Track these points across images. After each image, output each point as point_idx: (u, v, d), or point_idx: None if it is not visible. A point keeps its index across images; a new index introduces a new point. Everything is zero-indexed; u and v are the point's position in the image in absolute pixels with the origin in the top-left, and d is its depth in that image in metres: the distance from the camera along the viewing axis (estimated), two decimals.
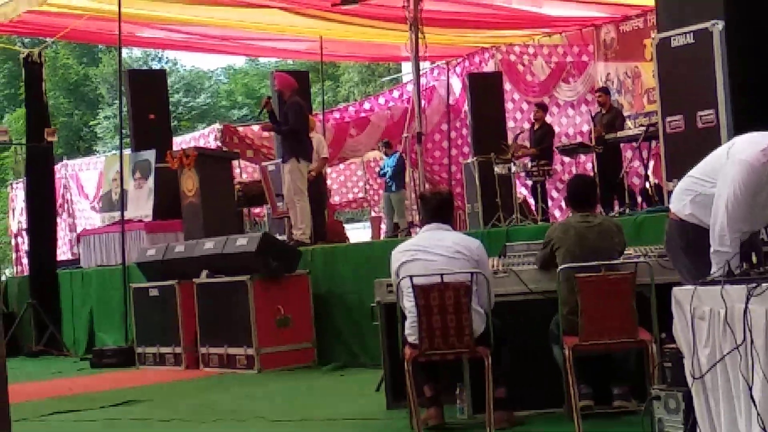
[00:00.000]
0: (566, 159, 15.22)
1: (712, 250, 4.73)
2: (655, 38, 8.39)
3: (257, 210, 16.35)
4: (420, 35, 10.62)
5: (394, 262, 6.25)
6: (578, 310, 5.80)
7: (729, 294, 4.06)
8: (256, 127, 18.95)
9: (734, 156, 4.78)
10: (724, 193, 4.72)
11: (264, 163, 14.70)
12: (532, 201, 14.73)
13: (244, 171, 18.24)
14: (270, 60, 40.91)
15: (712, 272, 4.53)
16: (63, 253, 19.78)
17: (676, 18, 8.19)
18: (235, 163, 14.58)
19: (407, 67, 25.69)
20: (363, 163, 21.70)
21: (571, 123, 17.22)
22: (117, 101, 26.98)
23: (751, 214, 4.74)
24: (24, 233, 18.69)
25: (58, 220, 19.06)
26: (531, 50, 17.98)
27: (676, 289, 4.39)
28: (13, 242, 24.10)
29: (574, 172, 14.82)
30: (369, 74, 39.87)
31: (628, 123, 13.67)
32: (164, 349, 10.72)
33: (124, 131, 14.55)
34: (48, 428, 7.49)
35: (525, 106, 17.48)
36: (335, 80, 42.05)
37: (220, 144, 17.62)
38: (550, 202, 15.26)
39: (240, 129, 19.25)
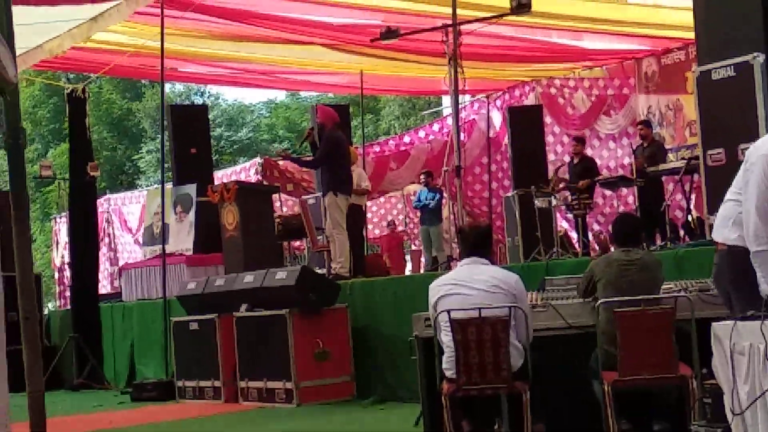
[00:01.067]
0: (607, 192, 15.13)
1: (752, 253, 4.67)
2: (695, 71, 8.35)
3: (297, 243, 16.39)
4: (459, 69, 10.62)
5: (432, 296, 6.23)
6: (617, 345, 5.75)
7: None
8: None
9: (751, 157, 4.75)
10: (752, 193, 4.69)
11: (304, 197, 14.77)
12: (573, 234, 14.65)
13: (285, 204, 18.33)
14: (311, 94, 41.16)
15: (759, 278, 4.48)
16: (104, 286, 19.94)
17: (717, 51, 8.15)
18: (275, 196, 14.64)
19: (447, 101, 25.75)
20: (403, 197, 21.73)
21: (613, 156, 17.15)
22: (159, 135, 27.24)
23: None
24: (67, 267, 18.85)
25: (101, 254, 19.25)
26: (572, 83, 17.97)
27: (715, 324, 4.34)
28: (56, 276, 24.34)
29: (615, 205, 14.76)
30: (409, 108, 39.98)
31: (670, 156, 13.59)
32: (204, 383, 10.73)
33: (166, 165, 14.66)
34: None
35: (566, 139, 17.43)
36: (376, 114, 42.19)
37: (260, 177, 17.73)
38: (590, 236, 15.16)
39: (281, 163, 19.36)
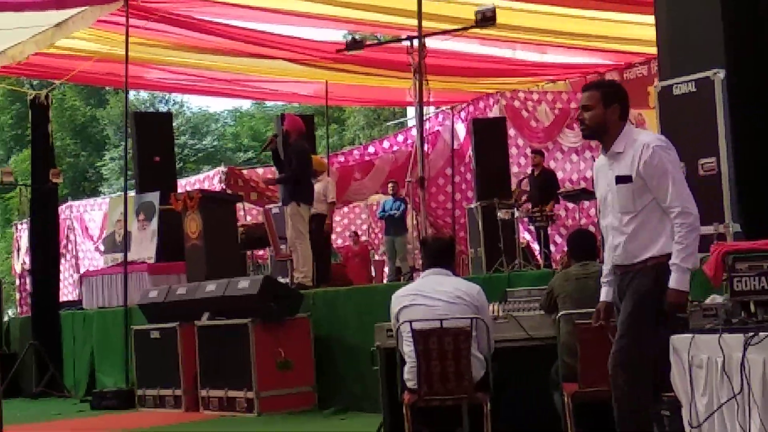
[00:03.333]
0: (570, 205, 15.23)
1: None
2: (657, 86, 8.43)
3: (260, 253, 16.36)
4: (424, 81, 10.66)
5: (394, 306, 6.25)
6: (578, 357, 5.79)
7: (727, 343, 4.07)
8: (260, 170, 19.06)
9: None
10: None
11: (267, 206, 14.74)
12: (535, 246, 14.72)
13: (248, 213, 18.29)
14: (276, 103, 41.13)
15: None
16: (65, 294, 19.77)
17: (678, 66, 8.23)
18: (239, 205, 14.61)
19: (412, 112, 25.80)
20: (367, 207, 21.74)
21: (575, 169, 17.27)
22: (123, 143, 27.10)
23: None
24: (27, 274, 18.69)
25: (62, 261, 19.11)
26: (535, 96, 18.09)
27: (674, 337, 4.39)
28: (17, 282, 24.13)
29: (577, 218, 14.86)
30: (374, 118, 40.02)
31: None
32: (164, 392, 10.67)
33: (129, 173, 14.58)
34: None
35: (529, 151, 17.53)
36: (341, 124, 42.20)
37: (224, 186, 17.68)
38: (553, 248, 15.25)
39: (245, 171, 19.32)
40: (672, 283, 4.74)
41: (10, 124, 44.57)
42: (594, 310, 5.28)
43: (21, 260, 22.71)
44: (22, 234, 22.70)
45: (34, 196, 14.60)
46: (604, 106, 5.08)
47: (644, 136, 5.12)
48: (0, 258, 34.81)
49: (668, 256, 4.80)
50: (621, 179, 4.97)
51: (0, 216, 38.33)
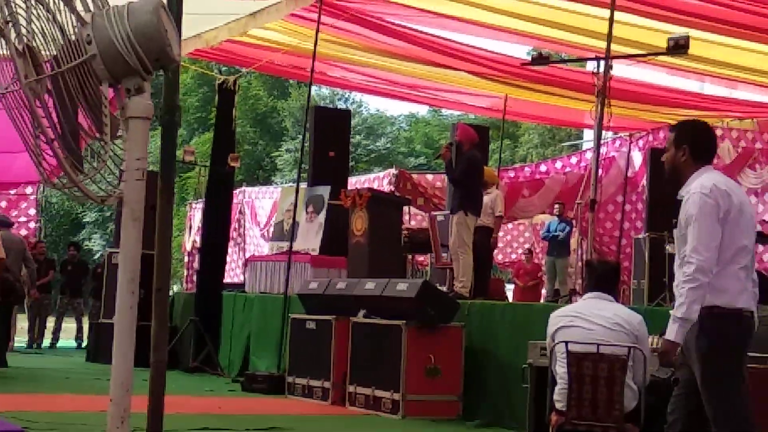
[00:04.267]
0: None
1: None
2: None
3: (421, 258, 16.47)
4: (606, 105, 10.52)
5: (551, 326, 6.19)
6: None
7: None
8: (430, 176, 19.20)
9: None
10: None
11: (433, 213, 14.82)
12: None
13: (413, 218, 18.43)
14: (452, 112, 41.34)
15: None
16: (230, 276, 20.35)
17: None
18: (405, 209, 14.74)
19: (589, 135, 25.56)
20: (531, 225, 21.60)
21: (754, 210, 16.72)
22: (300, 135, 27.65)
23: None
24: (196, 252, 19.33)
25: (230, 243, 19.68)
26: (719, 132, 17.57)
27: None
28: (185, 259, 24.97)
29: None
30: (549, 137, 39.79)
31: None
32: (314, 382, 10.85)
33: (303, 165, 14.91)
34: None
35: None
36: (515, 139, 42.11)
37: (393, 188, 17.88)
38: None
39: (415, 176, 19.49)
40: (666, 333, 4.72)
41: (196, 106, 46.27)
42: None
43: (192, 239, 23.46)
44: (195, 213, 23.46)
45: (212, 178, 15.08)
46: (675, 146, 4.96)
47: (696, 182, 4.87)
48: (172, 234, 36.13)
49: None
50: (674, 225, 4.91)
51: (176, 194, 39.74)
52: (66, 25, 3.73)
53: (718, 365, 4.72)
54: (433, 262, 14.23)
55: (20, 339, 18.05)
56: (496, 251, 19.38)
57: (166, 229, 5.16)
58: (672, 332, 4.69)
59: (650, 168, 15.79)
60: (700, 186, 4.79)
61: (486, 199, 12.23)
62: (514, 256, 22.41)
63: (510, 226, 21.65)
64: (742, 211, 4.84)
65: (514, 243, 22.49)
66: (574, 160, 19.98)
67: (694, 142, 4.93)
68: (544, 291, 18.62)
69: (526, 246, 21.53)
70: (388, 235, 12.19)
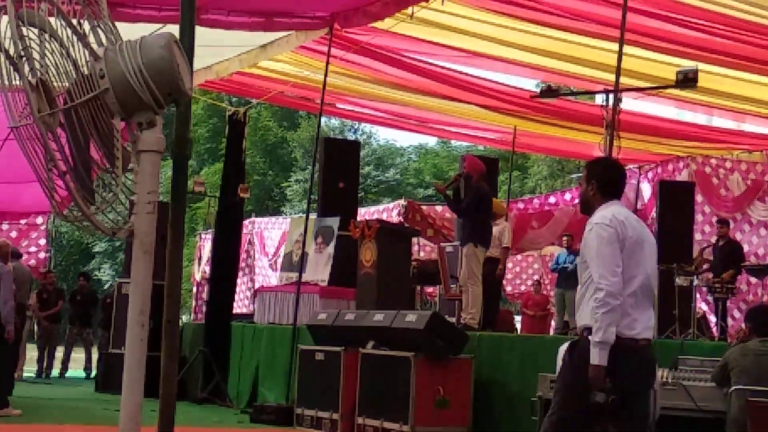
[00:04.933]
0: (753, 279, 14.71)
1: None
2: None
3: (430, 289, 16.44)
4: (615, 138, 10.54)
5: (561, 359, 6.17)
6: None
7: None
8: (439, 207, 19.21)
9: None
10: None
11: (443, 244, 14.81)
12: (712, 318, 14.27)
13: (422, 249, 18.41)
14: (462, 143, 41.41)
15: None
16: (238, 306, 20.34)
17: None
18: (414, 240, 14.73)
19: None
20: (540, 257, 21.56)
21: (763, 243, 16.69)
22: (309, 166, 27.70)
23: None
24: (205, 282, 19.33)
25: (240, 274, 19.69)
26: (728, 164, 17.60)
27: None
28: (194, 290, 24.95)
29: (759, 294, 14.34)
30: (558, 169, 39.77)
31: None
32: (322, 414, 10.81)
33: (312, 196, 14.95)
34: None
35: (715, 220, 17.06)
36: (524, 171, 42.10)
37: (402, 219, 17.88)
38: (730, 322, 14.74)
39: (424, 207, 19.51)
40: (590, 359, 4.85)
41: (206, 137, 46.44)
42: None
43: (201, 269, 23.46)
44: (205, 244, 23.46)
45: (221, 208, 15.11)
46: (586, 182, 5.28)
47: (599, 214, 5.16)
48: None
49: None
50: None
51: (186, 224, 39.79)
52: (79, 60, 3.76)
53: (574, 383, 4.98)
54: (442, 293, 14.21)
55: (29, 369, 18.04)
56: (504, 282, 19.41)
57: (176, 262, 5.17)
58: (595, 356, 4.86)
59: (659, 200, 15.76)
60: (600, 217, 5.10)
61: (494, 230, 12.24)
62: (523, 287, 22.38)
63: (519, 257, 21.64)
64: (641, 245, 5.11)
65: (523, 274, 22.46)
66: None
67: (601, 178, 5.25)
68: (553, 323, 18.57)
69: (535, 277, 21.50)
70: (397, 266, 12.18)
